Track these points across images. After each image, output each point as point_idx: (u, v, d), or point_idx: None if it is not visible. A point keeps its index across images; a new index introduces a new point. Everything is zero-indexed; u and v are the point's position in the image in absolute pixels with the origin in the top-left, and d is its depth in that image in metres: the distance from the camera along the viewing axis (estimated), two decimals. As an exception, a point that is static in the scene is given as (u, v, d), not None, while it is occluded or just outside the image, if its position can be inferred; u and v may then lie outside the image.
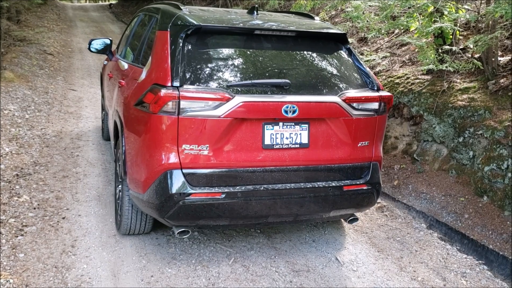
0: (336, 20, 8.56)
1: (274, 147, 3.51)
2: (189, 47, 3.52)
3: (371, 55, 6.72)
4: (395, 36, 6.71)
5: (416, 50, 6.74)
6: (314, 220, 4.11)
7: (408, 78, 6.42)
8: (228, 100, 3.31)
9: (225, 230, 4.38)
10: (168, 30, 3.69)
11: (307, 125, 3.58)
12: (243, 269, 3.86)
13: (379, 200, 5.40)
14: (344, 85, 3.78)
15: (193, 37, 3.57)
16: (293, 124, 3.54)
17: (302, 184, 3.62)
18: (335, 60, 3.94)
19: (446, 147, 5.60)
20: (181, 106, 3.26)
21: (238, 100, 3.33)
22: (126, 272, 3.68)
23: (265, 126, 3.48)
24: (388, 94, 3.87)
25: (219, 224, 3.65)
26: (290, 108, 3.44)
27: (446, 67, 5.25)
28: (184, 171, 3.36)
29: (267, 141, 3.49)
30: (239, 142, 3.44)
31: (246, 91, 3.43)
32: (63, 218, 4.44)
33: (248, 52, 3.71)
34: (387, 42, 7.65)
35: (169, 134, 3.32)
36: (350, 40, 7.06)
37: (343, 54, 3.98)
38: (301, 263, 4.03)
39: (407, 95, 6.18)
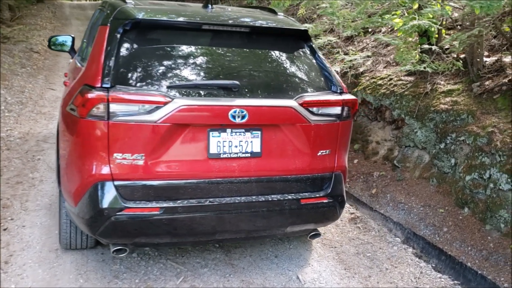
0: (315, 17, 8.18)
1: (221, 156, 3.15)
2: (127, 44, 3.16)
3: (355, 54, 6.34)
4: (376, 34, 6.32)
5: (400, 49, 6.36)
6: (270, 236, 3.76)
7: (391, 79, 6.04)
8: (165, 103, 2.95)
9: (178, 245, 4.00)
10: (108, 25, 3.33)
11: (259, 132, 3.22)
12: (191, 290, 3.51)
13: (352, 211, 5.03)
14: (303, 87, 3.42)
15: (132, 32, 3.21)
16: (243, 130, 3.18)
17: (254, 197, 3.26)
18: (294, 60, 3.57)
19: (428, 153, 5.23)
20: (111, 110, 2.90)
21: (177, 103, 2.96)
22: (58, 293, 3.33)
23: (211, 133, 3.11)
24: (352, 97, 3.49)
25: (160, 242, 3.28)
26: (239, 113, 3.07)
27: (425, 67, 4.87)
28: (116, 183, 3.00)
29: (213, 150, 3.13)
30: (180, 151, 3.08)
31: (188, 94, 3.07)
32: (4, 229, 4.09)
33: (194, 50, 3.34)
34: (373, 41, 7.26)
35: (99, 141, 2.96)
36: (334, 39, 6.69)
37: (304, 53, 3.61)
38: (258, 282, 3.67)
39: (389, 97, 5.80)
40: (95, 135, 2.95)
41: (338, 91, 3.45)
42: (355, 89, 6.48)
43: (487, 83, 4.95)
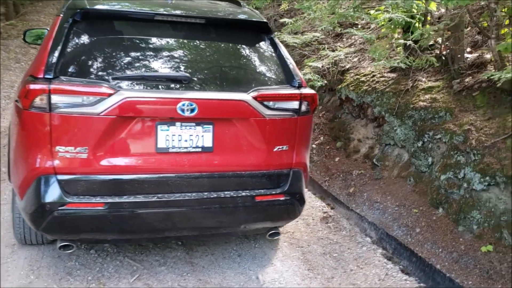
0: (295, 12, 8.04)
1: (170, 150, 3.05)
2: (76, 34, 3.08)
3: (341, 51, 6.20)
4: (353, 28, 6.16)
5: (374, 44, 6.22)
6: (226, 234, 3.66)
7: (374, 76, 5.90)
8: (110, 95, 2.85)
9: (128, 243, 3.90)
10: (61, 15, 3.25)
11: (211, 126, 3.11)
12: (144, 288, 3.41)
13: (326, 210, 4.91)
14: (259, 81, 3.31)
15: (82, 23, 3.12)
16: (194, 124, 3.07)
17: (205, 193, 3.15)
18: (252, 53, 3.46)
19: (407, 152, 5.09)
20: (52, 101, 2.81)
21: (122, 95, 2.86)
22: (5, 290, 3.25)
23: (159, 126, 3.01)
24: (311, 92, 3.37)
25: (108, 239, 3.19)
26: (187, 106, 2.97)
27: (398, 63, 4.72)
28: (59, 177, 2.91)
29: (161, 144, 3.02)
30: (126, 145, 2.98)
31: (135, 86, 2.97)
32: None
33: (146, 41, 3.24)
34: (360, 38, 7.11)
35: (41, 133, 2.87)
36: (319, 35, 6.57)
37: (264, 46, 3.50)
38: (215, 282, 3.56)
39: (371, 94, 5.66)
40: (37, 127, 2.87)
41: (296, 85, 3.33)
42: (339, 86, 6.35)
43: (467, 80, 4.80)
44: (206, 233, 3.42)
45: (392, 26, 5.58)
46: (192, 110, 2.98)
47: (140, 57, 3.15)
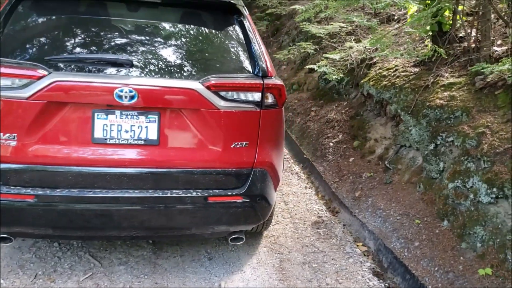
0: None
1: (108, 141, 2.79)
2: (19, 14, 2.90)
3: (364, 43, 5.71)
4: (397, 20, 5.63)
5: (416, 38, 5.66)
6: (177, 237, 3.38)
7: (396, 70, 5.37)
8: (39, 78, 2.63)
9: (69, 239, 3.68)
10: None
11: (156, 117, 2.82)
12: (91, 289, 3.20)
13: (320, 214, 4.49)
14: (218, 68, 2.98)
15: (27, 2, 2.93)
16: (136, 113, 2.80)
17: (149, 191, 2.87)
18: (214, 37, 3.14)
19: (421, 155, 4.56)
20: None
21: (52, 78, 2.64)
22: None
23: (96, 114, 2.76)
24: (277, 83, 3.00)
25: (45, 235, 2.99)
26: (126, 92, 2.69)
27: (402, 54, 4.21)
28: None
29: (98, 134, 2.77)
30: (59, 133, 2.75)
31: (69, 68, 2.74)
32: None
33: (92, 21, 3.00)
34: (395, 29, 6.55)
35: None
36: (345, 25, 6.10)
37: (230, 29, 3.16)
38: (172, 286, 3.29)
39: (389, 90, 5.15)
40: None
41: (260, 75, 2.96)
42: (362, 81, 5.86)
43: (491, 76, 4.20)
44: (152, 234, 3.15)
45: (420, 16, 5.03)
46: (132, 98, 2.71)
47: (83, 38, 2.92)
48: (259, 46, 3.10)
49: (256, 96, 2.93)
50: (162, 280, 3.35)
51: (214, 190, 2.97)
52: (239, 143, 2.95)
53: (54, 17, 2.98)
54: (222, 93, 2.85)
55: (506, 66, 3.39)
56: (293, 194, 4.80)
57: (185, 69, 2.91)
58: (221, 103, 2.84)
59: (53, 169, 2.76)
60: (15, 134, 2.69)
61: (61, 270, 3.35)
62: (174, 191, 2.90)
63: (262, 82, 2.93)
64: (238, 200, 2.99)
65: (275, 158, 3.14)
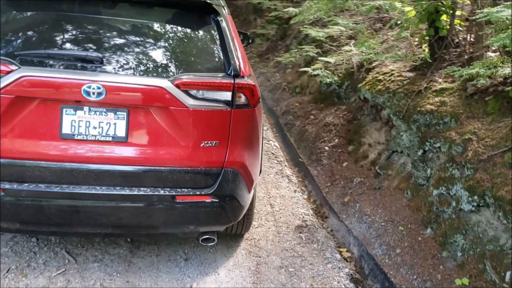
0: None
1: (76, 137, 2.79)
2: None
3: (373, 47, 5.63)
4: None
5: (415, 42, 5.58)
6: (144, 236, 3.36)
7: (392, 74, 5.29)
8: (8, 72, 2.65)
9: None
10: None
11: (125, 114, 2.81)
12: (61, 285, 3.20)
13: (305, 218, 4.43)
14: (188, 67, 2.96)
15: None
16: (105, 110, 2.79)
17: (116, 188, 2.86)
18: (188, 36, 3.13)
19: (411, 161, 4.48)
20: None
21: (19, 73, 2.65)
22: None
23: (64, 109, 2.76)
24: (248, 82, 2.97)
25: (13, 229, 3.01)
26: (94, 89, 2.69)
27: (386, 57, 4.14)
28: None
29: (66, 130, 2.77)
30: (26, 128, 2.76)
31: (37, 63, 2.74)
32: None
33: (64, 17, 3.00)
34: (392, 33, 6.47)
35: None
36: (344, 29, 6.05)
37: (205, 28, 3.14)
38: (143, 286, 3.28)
39: (383, 94, 5.07)
40: None
41: (232, 74, 2.93)
42: (360, 85, 5.79)
43: (482, 81, 4.10)
44: (119, 232, 3.13)
45: (417, 20, 4.97)
46: (100, 94, 2.70)
47: (55, 34, 2.93)
48: (234, 45, 3.07)
49: (227, 96, 2.90)
50: (135, 279, 3.33)
51: (182, 189, 2.94)
52: (209, 142, 2.92)
53: (28, 13, 3.00)
54: (192, 92, 2.83)
55: (475, 70, 3.30)
56: (281, 197, 4.75)
57: (156, 67, 2.90)
58: (190, 102, 2.82)
59: (20, 163, 2.77)
60: None
61: (35, 265, 3.36)
62: (141, 188, 2.88)
63: (232, 82, 2.90)
64: (207, 200, 2.96)
65: (248, 158, 3.10)
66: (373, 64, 6.01)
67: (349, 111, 6.22)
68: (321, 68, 5.22)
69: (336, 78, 5.48)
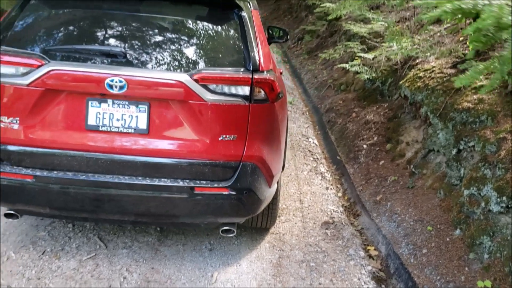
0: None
1: (100, 129, 2.93)
2: (29, 7, 3.10)
3: (403, 43, 5.52)
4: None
5: (460, 39, 5.41)
6: (165, 224, 3.47)
7: (433, 71, 5.15)
8: (38, 66, 2.82)
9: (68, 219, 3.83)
10: None
11: (146, 107, 2.92)
12: (90, 268, 3.36)
13: (333, 215, 4.40)
14: (207, 61, 3.02)
15: None
16: (127, 103, 2.91)
17: (138, 178, 2.97)
18: (210, 30, 3.18)
19: (446, 160, 4.35)
20: None
21: (48, 67, 2.81)
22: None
23: (90, 102, 2.90)
24: (267, 77, 2.99)
25: (45, 213, 3.19)
26: (116, 82, 2.81)
27: (417, 53, 4.02)
28: None
29: (91, 121, 2.92)
30: (55, 118, 2.92)
31: (65, 58, 2.90)
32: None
33: (92, 15, 3.15)
34: (444, 29, 6.28)
35: None
36: (388, 25, 5.95)
37: (228, 23, 3.19)
38: (167, 273, 3.39)
39: (422, 91, 4.95)
40: None
41: (251, 69, 2.97)
42: (401, 82, 5.68)
43: (523, 78, 3.93)
44: (141, 220, 3.24)
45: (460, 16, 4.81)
46: (122, 87, 2.82)
47: (82, 30, 3.08)
48: (255, 40, 3.11)
49: (245, 90, 2.94)
50: (159, 266, 3.45)
51: (201, 181, 3.01)
52: (227, 136, 2.98)
53: (58, 11, 3.16)
54: (211, 86, 2.89)
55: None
56: (311, 194, 4.75)
57: (176, 61, 2.98)
58: (209, 96, 2.88)
59: (50, 152, 2.94)
60: (18, 118, 2.90)
61: (68, 249, 3.54)
62: (161, 179, 2.98)
63: (251, 76, 2.93)
64: (225, 192, 3.02)
65: (267, 153, 3.13)
66: (417, 61, 5.87)
67: (391, 108, 6.10)
68: (359, 64, 5.14)
69: (374, 75, 5.38)
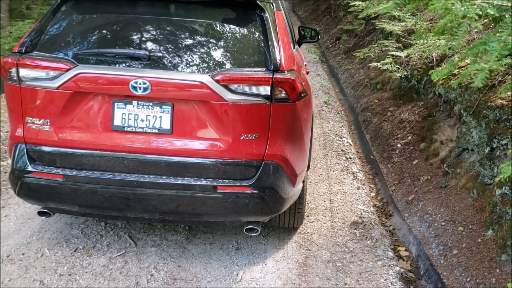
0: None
1: (126, 129, 3.01)
2: (60, 13, 3.23)
3: (437, 41, 5.41)
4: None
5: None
6: (189, 222, 3.51)
7: (467, 69, 5.01)
8: (67, 70, 2.94)
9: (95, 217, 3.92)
10: None
11: (169, 107, 2.99)
12: (119, 265, 3.46)
13: (363, 215, 4.35)
14: (228, 62, 3.05)
15: (69, 2, 3.26)
16: (151, 104, 2.99)
17: (163, 177, 3.05)
18: (232, 32, 3.21)
19: (479, 158, 4.24)
20: (21, 74, 3.00)
21: (76, 71, 2.92)
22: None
23: (116, 103, 3.00)
24: (287, 77, 2.99)
25: (75, 211, 3.30)
26: (140, 84, 2.89)
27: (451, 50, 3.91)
28: (28, 146, 3.11)
29: (117, 122, 3.01)
30: (83, 120, 3.03)
31: (93, 61, 3.00)
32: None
33: (118, 19, 3.24)
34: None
35: (16, 104, 3.09)
36: (422, 22, 5.84)
37: (250, 24, 3.21)
38: (193, 271, 3.44)
39: (455, 89, 4.84)
40: (13, 98, 3.09)
41: (271, 69, 2.99)
42: (435, 80, 5.55)
43: (560, 74, 3.78)
44: (167, 218, 3.30)
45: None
46: (146, 89, 2.90)
47: (107, 34, 3.17)
48: (276, 40, 3.12)
49: (266, 90, 2.96)
50: (186, 264, 3.51)
51: (223, 180, 3.06)
52: (249, 135, 3.01)
53: (87, 16, 3.27)
54: (232, 87, 2.92)
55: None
56: (342, 194, 4.71)
57: (198, 63, 3.03)
58: (230, 96, 2.92)
59: (78, 152, 3.05)
60: (48, 120, 3.02)
61: (99, 247, 3.65)
62: (185, 178, 3.04)
63: (271, 76, 2.95)
64: (247, 191, 3.05)
65: (290, 152, 3.14)
66: (452, 58, 5.72)
67: (425, 107, 5.98)
68: (391, 63, 5.07)
69: (406, 73, 5.28)
